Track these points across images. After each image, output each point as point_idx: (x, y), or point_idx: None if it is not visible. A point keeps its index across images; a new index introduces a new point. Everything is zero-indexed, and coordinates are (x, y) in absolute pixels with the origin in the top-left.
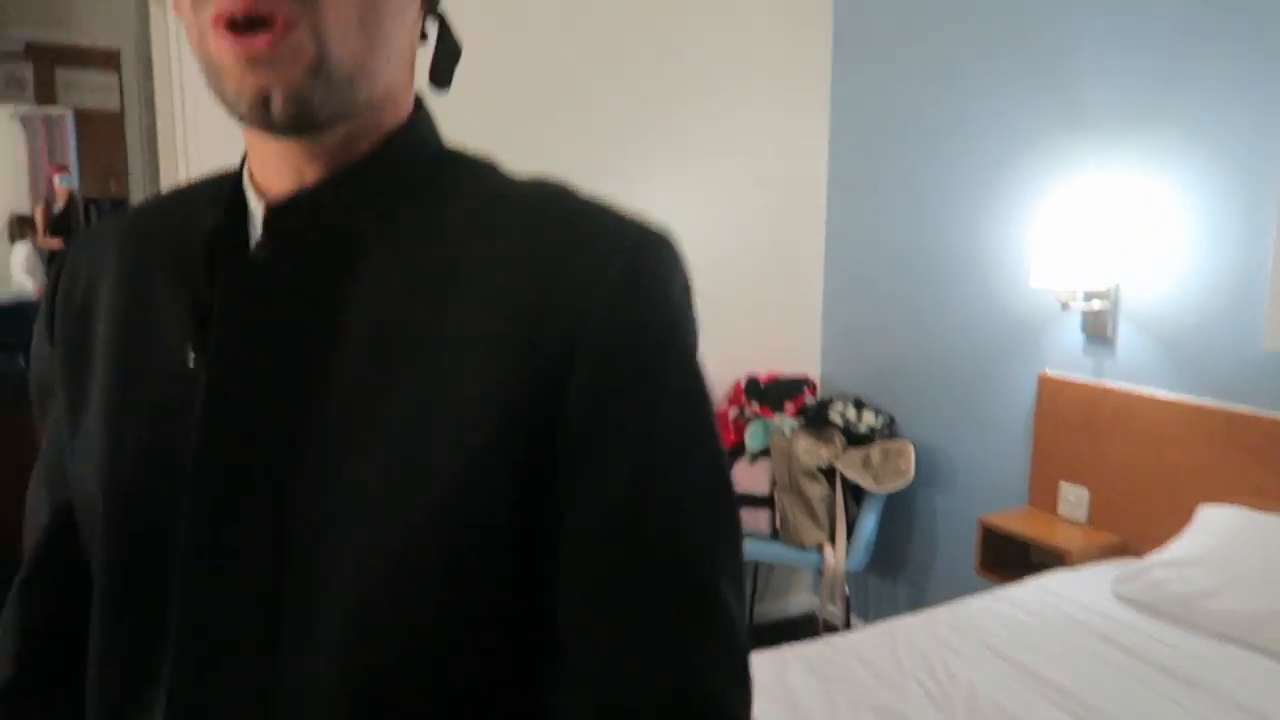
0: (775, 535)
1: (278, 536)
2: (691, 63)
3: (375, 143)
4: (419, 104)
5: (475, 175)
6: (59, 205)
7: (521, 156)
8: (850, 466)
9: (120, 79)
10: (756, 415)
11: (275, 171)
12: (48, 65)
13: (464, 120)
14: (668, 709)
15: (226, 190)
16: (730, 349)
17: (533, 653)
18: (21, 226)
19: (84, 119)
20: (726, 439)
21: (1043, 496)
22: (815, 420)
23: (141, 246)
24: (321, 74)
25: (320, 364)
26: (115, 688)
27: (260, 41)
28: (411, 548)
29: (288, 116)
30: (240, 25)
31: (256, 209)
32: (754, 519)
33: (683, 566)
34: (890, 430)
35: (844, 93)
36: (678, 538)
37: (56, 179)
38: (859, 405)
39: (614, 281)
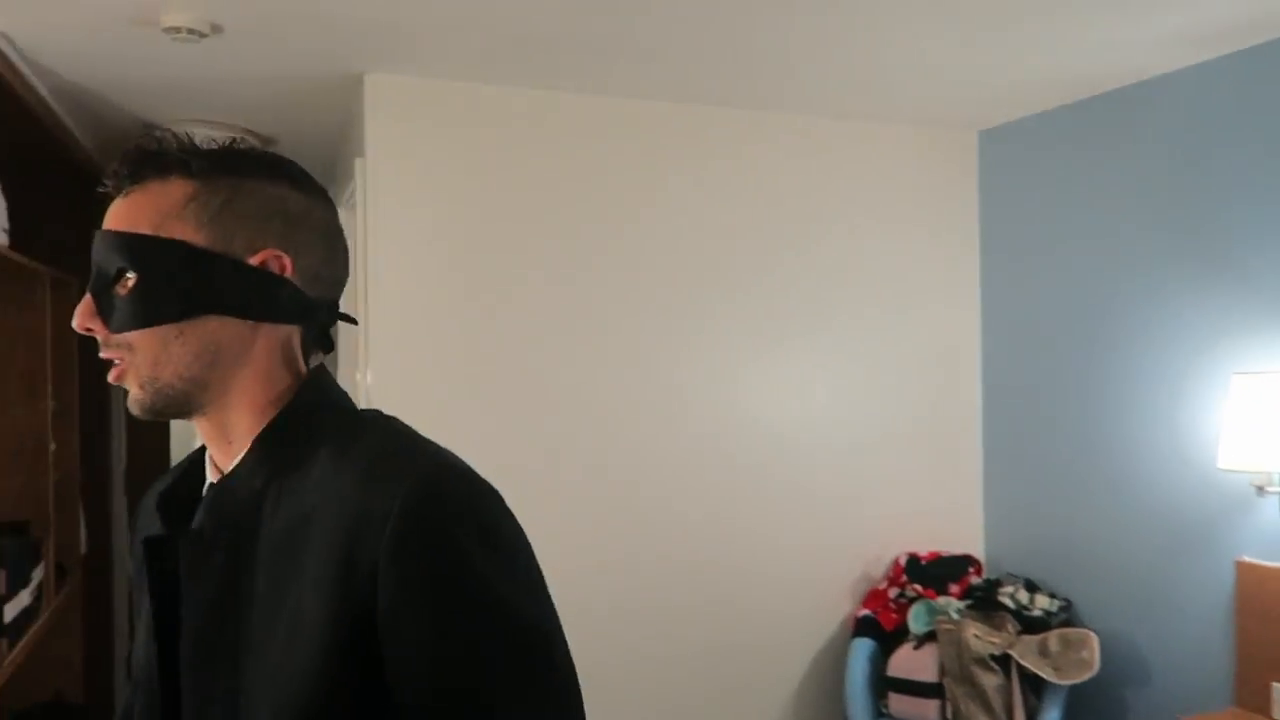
0: None
1: (229, 692)
2: (835, 237)
3: (251, 426)
4: (310, 373)
5: (339, 428)
6: None
7: (669, 337)
8: (1027, 655)
9: None
10: (919, 596)
11: (219, 452)
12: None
13: (611, 294)
14: None
15: (190, 463)
16: (887, 526)
17: None
18: None
19: None
20: (887, 619)
21: (1252, 697)
22: (984, 603)
23: (150, 503)
24: (148, 388)
25: (240, 600)
26: None
27: (113, 373)
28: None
29: (144, 412)
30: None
31: (211, 472)
32: (921, 709)
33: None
34: (1067, 615)
35: (995, 262)
36: (467, 696)
37: None
38: (1031, 587)
39: (391, 527)
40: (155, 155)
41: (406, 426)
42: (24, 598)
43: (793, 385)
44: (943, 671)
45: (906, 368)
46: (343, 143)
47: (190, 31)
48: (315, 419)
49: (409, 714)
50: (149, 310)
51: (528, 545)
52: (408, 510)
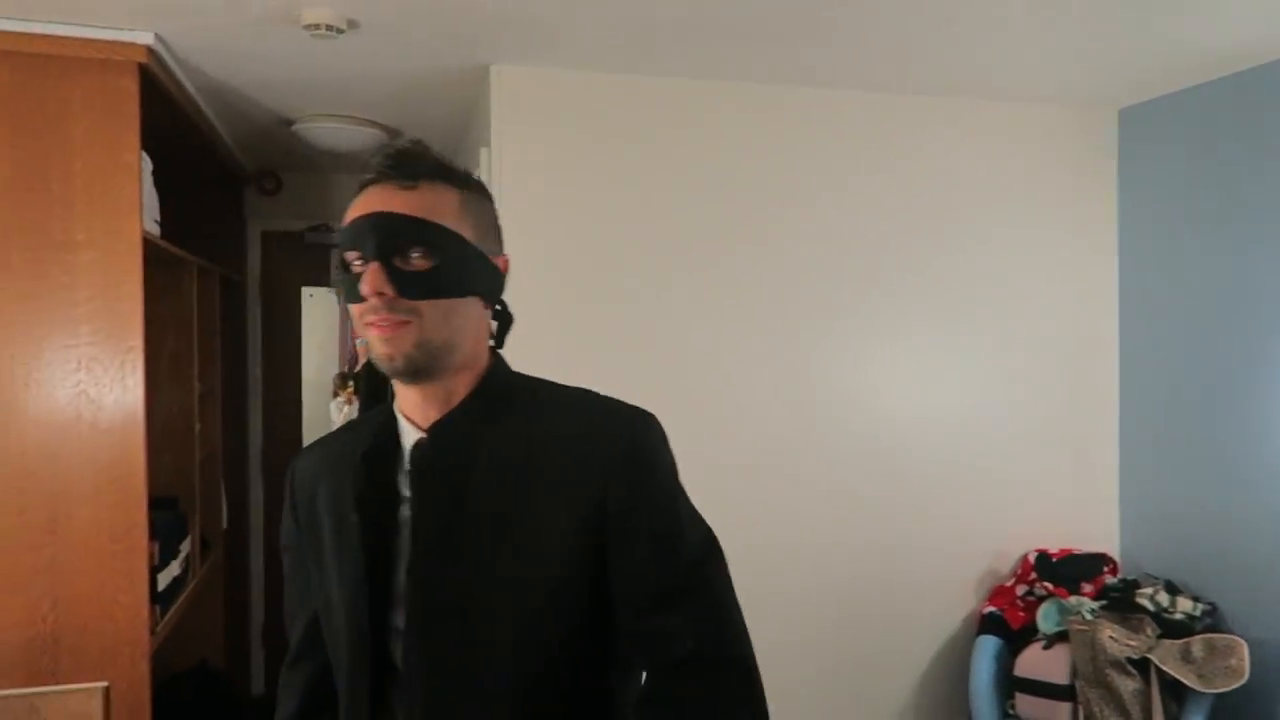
0: None
1: (464, 606)
2: (968, 222)
3: (467, 387)
4: (494, 354)
5: (531, 391)
6: (359, 365)
7: (796, 327)
8: (1168, 660)
9: None
10: (1049, 594)
11: (412, 406)
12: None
13: (739, 283)
14: (725, 664)
15: (381, 420)
16: (1016, 521)
17: (600, 652)
18: (343, 380)
19: None
20: (1014, 617)
21: None
22: (1120, 604)
23: (337, 461)
24: (422, 348)
25: (467, 515)
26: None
27: (388, 331)
28: (537, 609)
29: (407, 370)
30: (379, 325)
31: (408, 431)
32: (1051, 711)
33: (707, 595)
34: (1212, 620)
35: (1135, 246)
36: (694, 578)
37: (357, 341)
38: (1172, 590)
39: (621, 449)
40: (437, 163)
41: (580, 388)
42: (174, 568)
43: (923, 375)
44: (1075, 673)
45: (1041, 356)
46: (467, 134)
47: (328, 28)
48: (509, 384)
49: (629, 585)
50: (440, 286)
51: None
52: (633, 442)
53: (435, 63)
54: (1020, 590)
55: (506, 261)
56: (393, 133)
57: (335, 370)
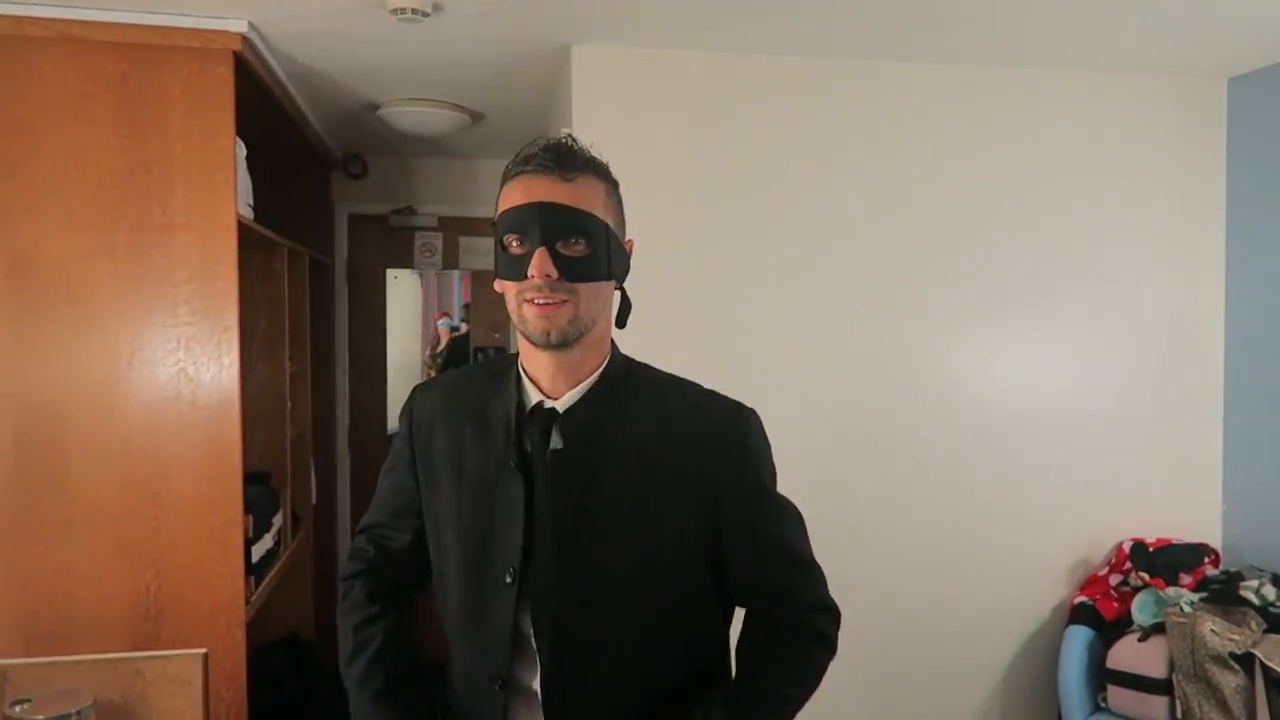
0: None
1: (594, 577)
2: (1064, 199)
3: (596, 364)
4: (612, 341)
5: (644, 374)
6: (441, 346)
7: (879, 306)
8: (1274, 656)
9: None
10: (1145, 585)
11: (541, 371)
12: (453, 235)
13: (821, 261)
14: (820, 608)
15: (513, 380)
16: (1110, 509)
17: (715, 609)
18: (433, 360)
19: (478, 279)
20: (1107, 608)
21: None
22: (1222, 596)
23: (456, 405)
24: (575, 324)
25: (597, 484)
26: (489, 652)
27: (549, 309)
28: (657, 572)
29: (559, 342)
30: (540, 303)
31: (532, 394)
32: (1146, 706)
33: (797, 556)
34: None
35: (1243, 222)
36: (789, 544)
37: (439, 323)
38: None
39: (733, 440)
40: (590, 158)
41: (684, 379)
42: (267, 541)
43: (1016, 356)
44: (1172, 667)
45: (1140, 337)
46: (547, 115)
47: (414, 12)
48: (628, 364)
49: (742, 559)
50: (595, 269)
51: None
52: (744, 436)
53: (517, 44)
54: (1114, 580)
55: (632, 245)
56: (475, 116)
57: (420, 351)
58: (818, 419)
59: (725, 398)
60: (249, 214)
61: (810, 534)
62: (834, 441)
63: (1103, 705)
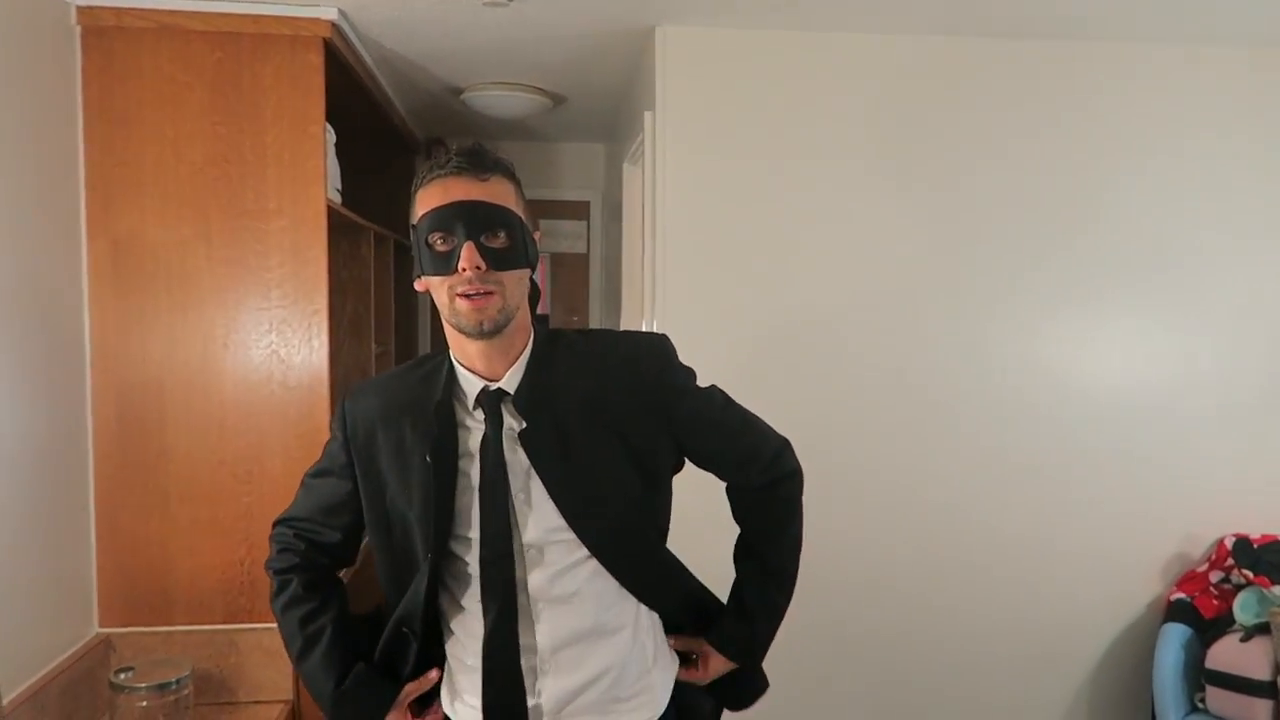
0: None
1: (589, 485)
2: (1166, 177)
3: (524, 342)
4: (534, 315)
5: (566, 339)
6: None
7: (974, 291)
8: None
9: (588, 226)
10: (1248, 583)
11: (477, 358)
12: (533, 218)
13: (911, 246)
14: (778, 454)
15: (444, 373)
16: (1211, 503)
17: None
18: None
19: (557, 261)
20: (1206, 605)
21: None
22: None
23: (392, 405)
24: (503, 312)
25: (571, 445)
26: (493, 618)
27: (480, 302)
28: (642, 499)
29: (491, 330)
30: (470, 295)
31: (473, 380)
32: (1248, 709)
33: (740, 419)
34: None
35: None
36: (733, 417)
37: None
38: None
39: (664, 364)
40: (499, 159)
41: (599, 329)
42: None
43: (1114, 342)
44: (1278, 670)
45: (1248, 323)
46: (629, 97)
47: None
48: (551, 335)
49: (702, 449)
50: (516, 258)
51: None
52: (668, 361)
53: (600, 25)
54: (1214, 577)
55: (539, 236)
56: (556, 99)
57: None
58: (905, 405)
59: (641, 334)
60: (337, 199)
61: (897, 519)
62: (921, 428)
63: (1200, 706)
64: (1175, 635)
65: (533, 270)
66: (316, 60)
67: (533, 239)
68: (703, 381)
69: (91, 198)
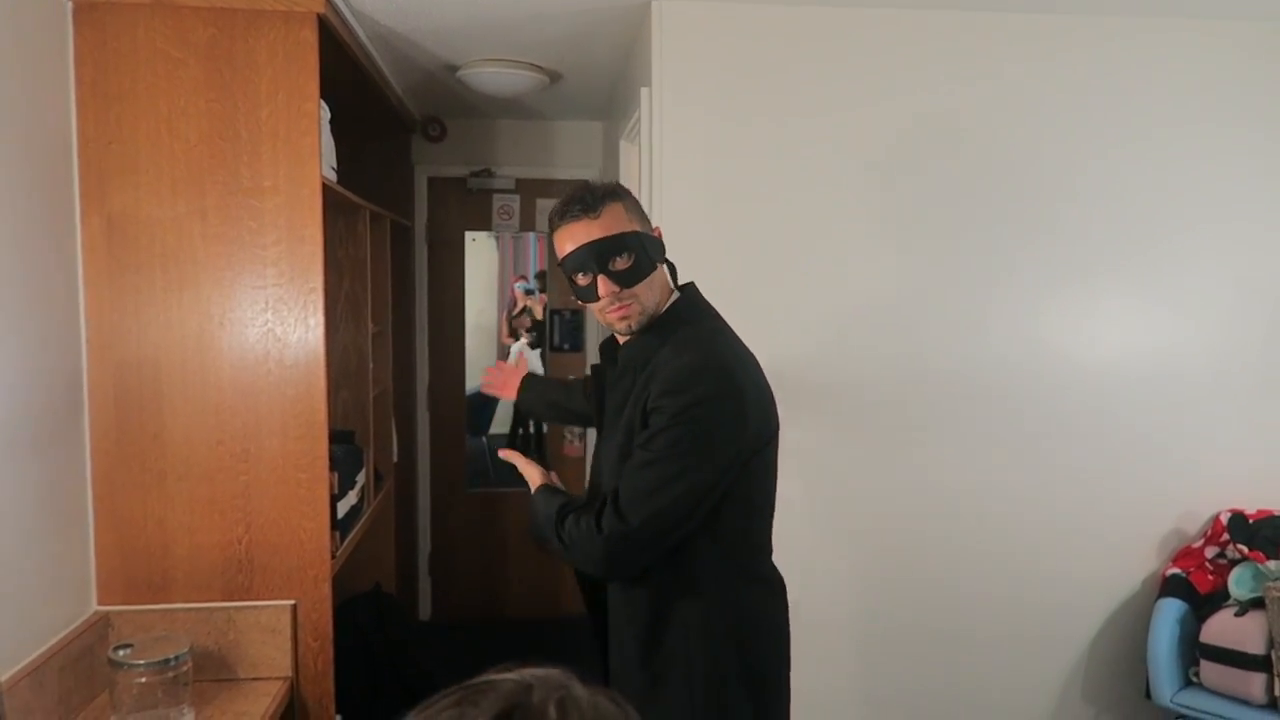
0: (1273, 704)
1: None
2: (1157, 153)
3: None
4: (683, 291)
5: (680, 329)
6: (517, 309)
7: (966, 266)
8: None
9: None
10: (1243, 558)
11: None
12: (530, 197)
13: (906, 222)
14: (616, 509)
15: (611, 335)
16: (1207, 478)
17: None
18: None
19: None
20: (1201, 580)
21: None
22: None
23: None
24: (644, 314)
25: (611, 398)
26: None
27: (621, 312)
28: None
29: (637, 330)
30: (614, 311)
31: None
32: (1241, 682)
33: (640, 484)
34: None
35: None
36: (641, 471)
37: (515, 286)
38: None
39: (672, 371)
40: (603, 190)
41: (718, 331)
42: (351, 497)
43: (1108, 318)
44: (1271, 644)
45: (1242, 299)
46: (626, 74)
47: None
48: (671, 321)
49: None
50: (642, 269)
51: (727, 431)
52: (671, 381)
53: (597, 1)
54: (1210, 552)
55: (659, 230)
56: (553, 76)
57: (497, 313)
58: (905, 383)
59: (703, 354)
60: (333, 177)
61: (895, 498)
62: (922, 403)
63: (1194, 680)
64: (1170, 610)
65: (660, 262)
66: (310, 36)
67: (653, 238)
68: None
69: (85, 175)
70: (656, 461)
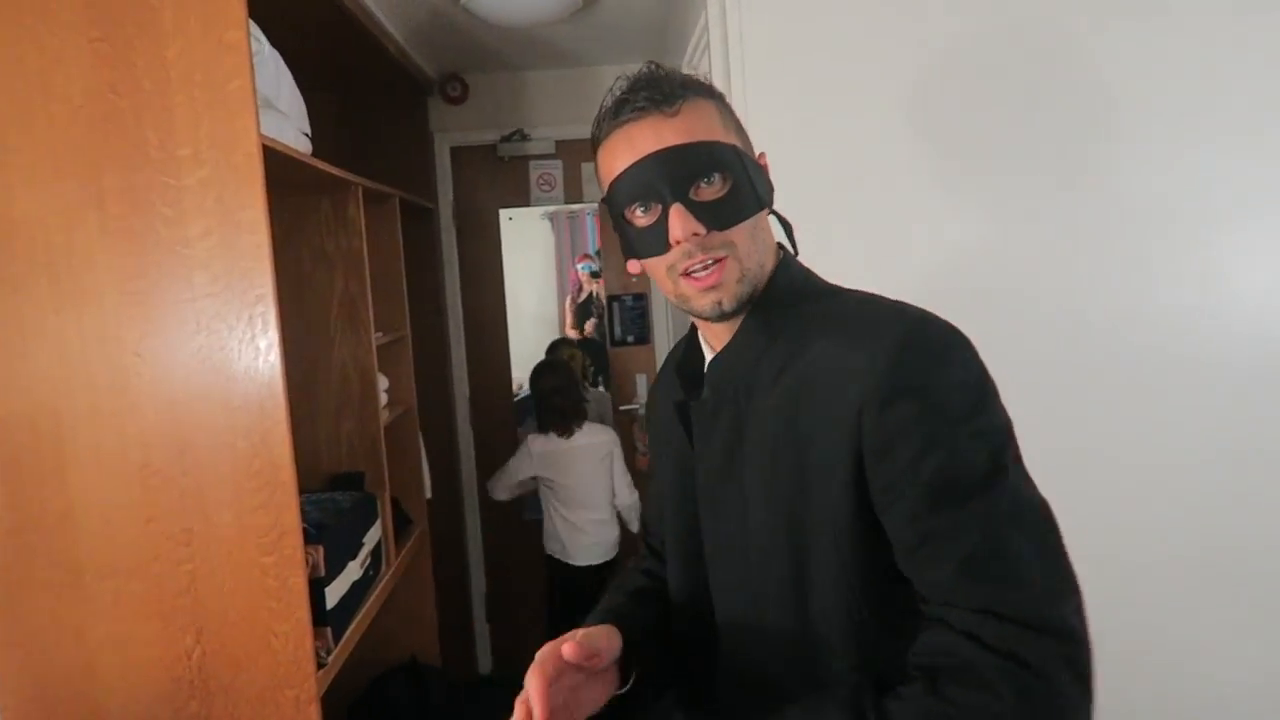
0: None
1: (740, 515)
2: None
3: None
4: (782, 254)
5: (812, 302)
6: (583, 294)
7: (1119, 235)
8: None
9: None
10: None
11: (715, 335)
12: (575, 161)
13: (1002, 172)
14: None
15: (687, 341)
16: None
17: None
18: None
19: (604, 211)
20: None
21: None
22: None
23: (664, 378)
24: (744, 279)
25: (739, 434)
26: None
27: (709, 278)
28: (796, 536)
29: (734, 308)
30: (695, 272)
31: (707, 352)
32: None
33: (961, 517)
34: None
35: None
36: (947, 489)
37: (579, 267)
38: None
39: (881, 350)
40: (684, 77)
41: (869, 294)
42: (352, 571)
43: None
44: None
45: None
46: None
47: None
48: (793, 295)
49: (897, 520)
50: (743, 207)
51: (993, 390)
52: (892, 362)
53: None
54: None
55: (765, 160)
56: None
57: (558, 301)
58: (1034, 348)
59: (894, 314)
60: (305, 145)
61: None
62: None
63: None
64: None
65: (769, 207)
66: None
67: (760, 167)
68: None
69: None
70: (995, 511)
